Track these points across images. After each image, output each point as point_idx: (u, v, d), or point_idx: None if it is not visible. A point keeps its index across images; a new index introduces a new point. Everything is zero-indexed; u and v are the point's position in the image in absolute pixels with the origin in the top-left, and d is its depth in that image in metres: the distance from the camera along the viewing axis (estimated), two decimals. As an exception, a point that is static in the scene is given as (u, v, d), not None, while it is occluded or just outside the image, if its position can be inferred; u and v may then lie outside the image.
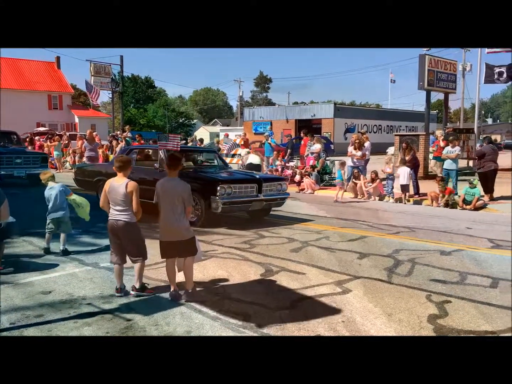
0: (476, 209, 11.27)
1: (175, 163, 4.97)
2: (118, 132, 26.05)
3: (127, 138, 18.19)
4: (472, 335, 4.09)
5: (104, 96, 40.33)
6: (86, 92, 35.85)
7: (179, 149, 9.41)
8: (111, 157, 17.88)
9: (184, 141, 20.74)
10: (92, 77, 33.03)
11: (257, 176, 9.31)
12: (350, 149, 13.78)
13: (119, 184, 4.84)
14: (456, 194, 12.17)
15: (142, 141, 18.42)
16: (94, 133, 19.91)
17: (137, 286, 4.98)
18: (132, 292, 4.97)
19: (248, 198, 8.74)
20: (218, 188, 8.25)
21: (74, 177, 11.69)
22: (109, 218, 4.94)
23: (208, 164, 10.90)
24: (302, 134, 17.65)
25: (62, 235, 6.59)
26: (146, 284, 5.12)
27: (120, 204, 4.84)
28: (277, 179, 10.17)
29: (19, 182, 14.56)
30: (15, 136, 16.61)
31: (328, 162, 16.45)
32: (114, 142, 21.10)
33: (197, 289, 5.01)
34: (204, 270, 5.81)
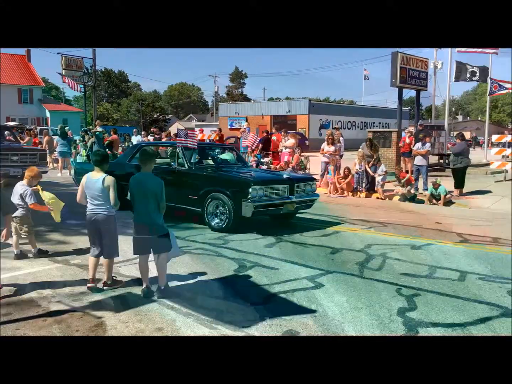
0: (445, 204, 11.53)
1: (148, 158, 4.95)
2: (91, 126, 25.58)
3: (97, 133, 17.78)
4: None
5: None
6: (58, 86, 35.03)
7: (196, 147, 8.78)
8: (84, 152, 17.48)
9: (158, 137, 20.51)
10: (64, 70, 32.20)
11: (289, 176, 8.67)
12: (323, 145, 13.96)
13: (96, 179, 4.83)
14: (426, 189, 12.43)
15: (115, 136, 18.06)
16: (66, 128, 19.52)
17: (109, 282, 4.98)
18: (104, 288, 4.95)
19: (280, 200, 8.04)
20: (250, 190, 7.50)
21: (74, 176, 10.90)
22: (87, 212, 4.93)
23: (228, 162, 10.06)
24: (274, 130, 17.72)
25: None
26: (114, 277, 5.12)
27: (97, 199, 4.84)
28: (308, 179, 9.44)
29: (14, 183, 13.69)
30: (8, 131, 15.05)
31: (302, 158, 16.51)
32: (86, 137, 20.68)
33: (170, 285, 4.98)
34: (177, 266, 5.78)
